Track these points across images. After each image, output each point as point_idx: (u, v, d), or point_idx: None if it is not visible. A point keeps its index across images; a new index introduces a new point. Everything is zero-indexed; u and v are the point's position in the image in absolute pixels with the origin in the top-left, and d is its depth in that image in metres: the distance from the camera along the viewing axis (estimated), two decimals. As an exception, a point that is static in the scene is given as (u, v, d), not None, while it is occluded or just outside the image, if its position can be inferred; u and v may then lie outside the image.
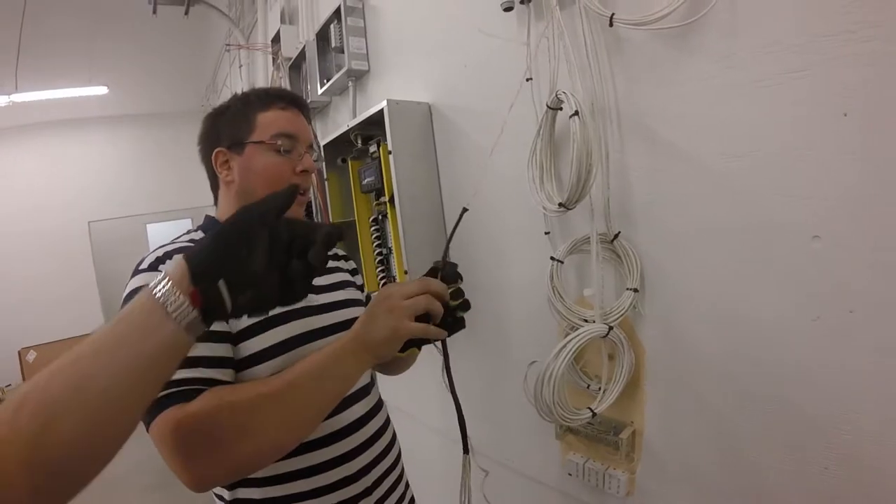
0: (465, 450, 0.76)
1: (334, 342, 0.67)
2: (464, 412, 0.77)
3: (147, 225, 5.84)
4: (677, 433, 0.93)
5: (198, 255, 0.48)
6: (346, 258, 1.03)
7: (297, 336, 0.77)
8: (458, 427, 0.77)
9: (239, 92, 0.88)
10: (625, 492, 1.03)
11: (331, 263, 0.95)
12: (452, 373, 0.76)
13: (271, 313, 0.74)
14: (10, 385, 5.27)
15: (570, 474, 1.12)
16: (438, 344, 0.74)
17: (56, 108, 5.17)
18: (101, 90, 4.86)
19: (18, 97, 4.52)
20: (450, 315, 0.72)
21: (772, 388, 0.78)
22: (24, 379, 5.48)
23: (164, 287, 0.45)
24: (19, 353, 5.53)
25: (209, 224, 0.85)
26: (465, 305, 0.74)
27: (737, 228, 0.78)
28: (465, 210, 0.77)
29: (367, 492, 0.81)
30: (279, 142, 0.80)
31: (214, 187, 0.88)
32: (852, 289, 0.67)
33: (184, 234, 0.82)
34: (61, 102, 4.92)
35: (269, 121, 0.81)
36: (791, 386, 0.75)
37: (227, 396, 0.62)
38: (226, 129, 0.83)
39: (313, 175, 0.87)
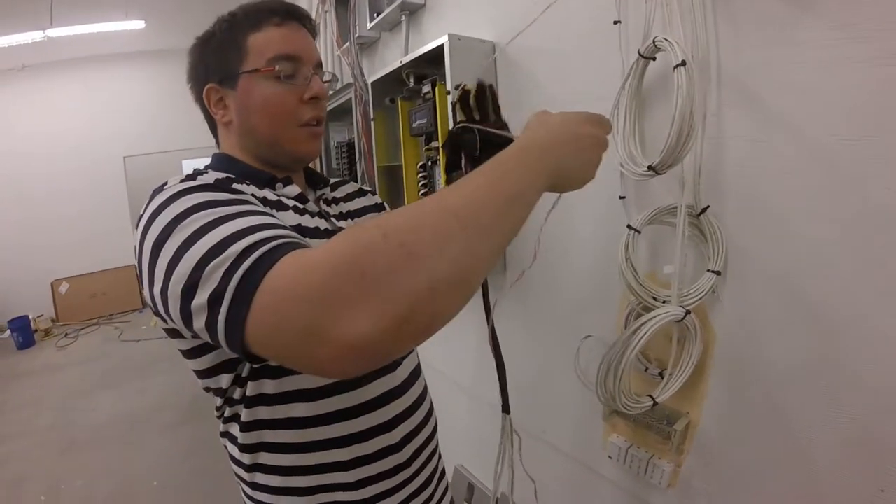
0: (506, 408, 0.67)
1: (510, 155, 0.51)
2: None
3: (183, 161, 5.80)
4: (736, 433, 0.86)
5: None
6: (371, 192, 0.92)
7: None
8: (494, 389, 0.69)
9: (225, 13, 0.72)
10: (667, 483, 0.98)
11: (355, 202, 0.85)
12: (495, 324, 0.68)
13: (308, 225, 0.66)
14: (41, 315, 5.45)
15: (610, 457, 1.08)
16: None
17: (92, 44, 5.10)
18: (139, 24, 4.76)
19: (53, 32, 4.44)
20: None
21: (849, 398, 0.70)
22: (55, 309, 5.66)
23: None
24: (52, 284, 5.70)
25: (220, 161, 0.72)
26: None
27: (840, 218, 0.69)
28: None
29: (407, 463, 0.75)
30: (277, 67, 0.67)
31: (213, 128, 0.76)
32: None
33: (192, 173, 0.69)
34: (97, 37, 4.84)
35: (263, 43, 0.67)
36: (870, 397, 0.68)
37: (369, 223, 0.41)
38: (214, 61, 0.69)
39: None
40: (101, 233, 5.84)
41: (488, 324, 0.67)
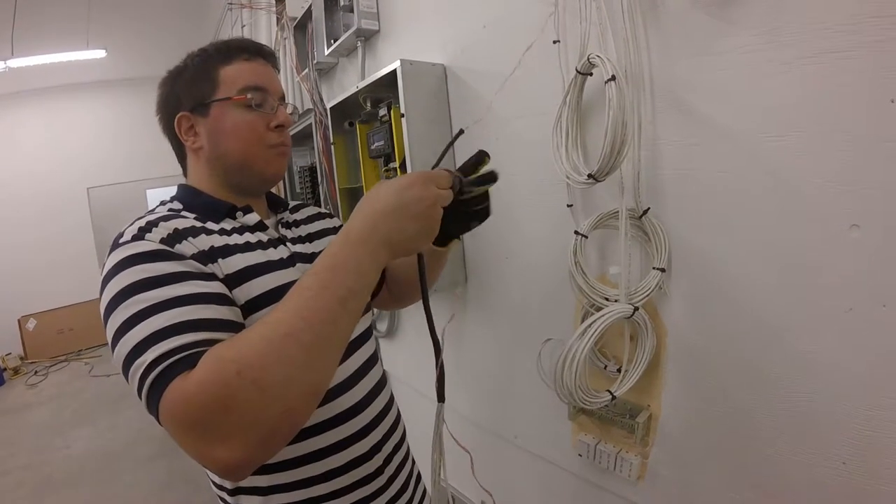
0: (441, 398, 0.69)
1: (339, 246, 0.56)
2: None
3: (147, 190, 5.74)
4: (695, 420, 0.90)
5: None
6: (329, 215, 0.96)
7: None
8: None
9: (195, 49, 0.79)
10: (636, 476, 1.01)
11: (315, 224, 0.89)
12: (433, 311, 0.68)
13: (258, 261, 0.68)
14: (9, 353, 5.26)
15: (580, 455, 1.11)
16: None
17: (54, 73, 5.02)
18: (100, 54, 4.72)
19: (15, 63, 4.38)
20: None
21: (798, 379, 0.75)
22: (24, 347, 5.48)
23: None
24: (19, 321, 5.52)
25: (185, 193, 0.76)
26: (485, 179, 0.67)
27: (772, 211, 0.74)
28: (461, 132, 0.72)
29: (379, 471, 0.78)
30: (248, 95, 0.72)
31: (181, 157, 0.80)
32: (888, 283, 0.64)
33: (158, 204, 0.75)
34: (59, 67, 4.77)
35: (234, 75, 0.73)
36: (818, 377, 0.73)
37: (226, 353, 0.49)
38: (186, 91, 0.74)
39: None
40: (67, 266, 5.68)
41: (428, 320, 0.68)
